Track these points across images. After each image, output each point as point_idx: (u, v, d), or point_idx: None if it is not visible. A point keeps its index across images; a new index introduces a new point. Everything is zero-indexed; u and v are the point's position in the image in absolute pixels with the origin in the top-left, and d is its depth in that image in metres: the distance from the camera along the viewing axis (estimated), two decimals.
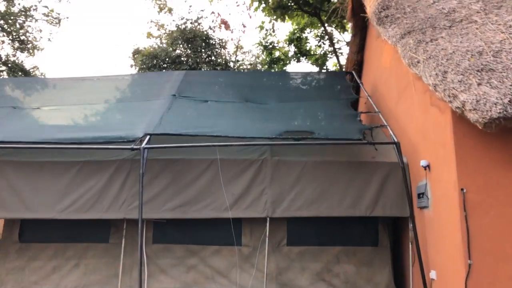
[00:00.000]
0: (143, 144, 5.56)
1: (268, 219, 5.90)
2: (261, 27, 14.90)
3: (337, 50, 15.44)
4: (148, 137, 5.76)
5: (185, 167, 6.08)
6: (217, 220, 6.01)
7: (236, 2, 21.06)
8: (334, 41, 15.29)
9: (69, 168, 6.02)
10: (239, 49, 19.09)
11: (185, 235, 6.17)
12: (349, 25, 13.18)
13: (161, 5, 17.51)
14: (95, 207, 5.87)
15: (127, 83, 8.17)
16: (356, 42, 9.58)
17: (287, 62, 17.44)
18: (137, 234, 5.64)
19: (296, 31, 15.77)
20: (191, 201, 5.95)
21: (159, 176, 6.05)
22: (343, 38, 17.22)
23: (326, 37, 15.76)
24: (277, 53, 17.66)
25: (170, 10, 17.63)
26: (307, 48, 16.93)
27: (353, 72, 8.95)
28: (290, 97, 7.38)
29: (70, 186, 5.92)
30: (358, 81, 8.09)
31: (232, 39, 20.98)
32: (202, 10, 19.27)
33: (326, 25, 14.31)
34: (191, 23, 16.63)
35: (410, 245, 5.67)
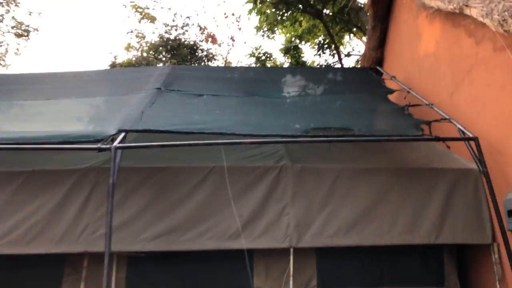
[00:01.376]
0: (116, 143, 3.85)
1: (291, 250, 4.15)
2: (259, 28, 13.32)
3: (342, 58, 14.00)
4: (122, 134, 4.06)
5: (174, 179, 4.36)
6: (218, 254, 4.24)
7: (225, 14, 19.39)
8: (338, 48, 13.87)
9: (9, 180, 4.23)
10: (227, 65, 17.60)
11: (172, 277, 4.34)
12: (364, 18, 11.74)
13: (143, 12, 15.89)
14: (43, 236, 4.07)
15: (98, 77, 6.47)
16: (375, 36, 8.13)
17: None
18: (102, 275, 3.84)
19: (293, 39, 14.26)
20: (181, 226, 4.20)
21: (136, 191, 4.30)
22: (343, 50, 15.87)
23: (326, 46, 14.37)
24: (269, 65, 16.19)
25: (153, 19, 16.09)
26: (304, 59, 15.51)
27: (377, 67, 7.46)
28: (310, 91, 5.76)
29: (6, 206, 4.12)
30: (389, 75, 6.53)
31: (221, 54, 19.47)
32: (188, 17, 17.76)
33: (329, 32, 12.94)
34: (175, 29, 15.07)
35: (498, 286, 3.96)
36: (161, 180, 4.36)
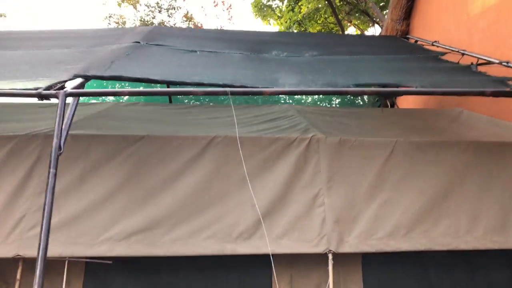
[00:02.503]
0: (68, 88, 2.49)
1: (330, 257, 2.80)
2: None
3: None
4: (79, 80, 2.70)
5: (157, 153, 3.01)
6: (221, 261, 2.88)
7: (214, 2, 17.66)
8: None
9: None
10: None
11: None
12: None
13: None
14: None
15: (61, 35, 5.05)
16: (400, 5, 6.90)
17: None
18: None
19: (292, 25, 12.76)
20: (166, 220, 2.85)
21: (101, 170, 2.93)
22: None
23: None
24: None
25: (135, 2, 14.48)
26: None
27: (408, 36, 6.22)
28: (341, 51, 4.43)
29: None
30: (428, 41, 5.25)
31: None
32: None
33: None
34: (159, 11, 13.55)
35: None
36: (137, 154, 2.99)
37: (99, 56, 3.54)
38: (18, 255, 2.66)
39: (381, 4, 11.04)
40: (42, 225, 2.10)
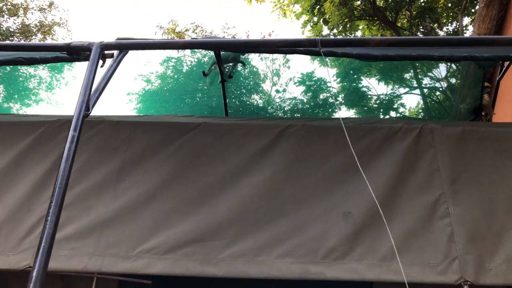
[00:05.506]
0: (104, 40, 1.90)
1: None
2: (306, 23, 10.26)
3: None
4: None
5: (214, 145, 2.31)
6: (298, 286, 2.05)
7: (261, 34, 16.88)
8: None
9: None
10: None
11: None
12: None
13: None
14: None
15: None
16: (489, 16, 6.02)
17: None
18: None
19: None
20: (225, 229, 2.07)
21: (141, 163, 2.27)
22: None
23: None
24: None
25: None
26: None
27: None
28: None
29: None
30: None
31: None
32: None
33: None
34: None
35: None
36: (190, 144, 2.31)
37: None
38: (29, 267, 1.99)
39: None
40: (47, 215, 1.41)
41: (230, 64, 3.25)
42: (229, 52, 3.02)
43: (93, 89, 1.71)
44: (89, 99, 1.65)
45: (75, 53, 1.84)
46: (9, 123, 2.51)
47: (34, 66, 4.16)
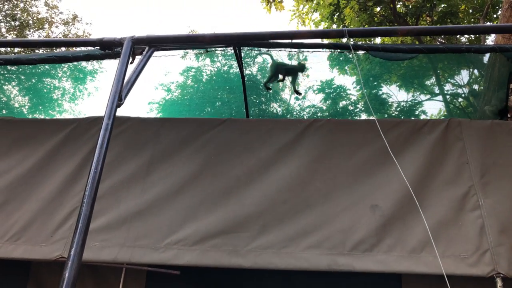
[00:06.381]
0: (136, 35, 1.96)
1: (499, 282, 1.81)
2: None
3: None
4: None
5: (241, 139, 2.35)
6: (326, 279, 2.03)
7: None
8: None
9: None
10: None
11: None
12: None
13: None
14: None
15: None
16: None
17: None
18: None
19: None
20: (253, 221, 2.09)
21: (170, 157, 2.31)
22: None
23: None
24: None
25: None
26: None
27: None
28: None
29: None
30: None
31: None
32: None
33: None
34: None
35: None
36: (218, 139, 2.35)
37: None
38: (62, 257, 2.03)
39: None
40: (81, 207, 1.45)
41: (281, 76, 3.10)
42: (288, 64, 3.00)
43: (125, 81, 1.76)
44: (121, 89, 1.70)
45: (107, 47, 1.91)
46: (42, 121, 2.60)
47: (58, 78, 4.28)
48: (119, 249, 2.04)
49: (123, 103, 1.69)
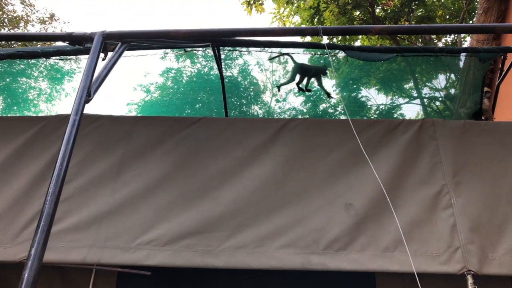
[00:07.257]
0: (106, 30, 1.91)
1: (469, 279, 1.83)
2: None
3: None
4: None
5: (215, 138, 2.31)
6: (300, 278, 2.01)
7: None
8: None
9: None
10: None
11: None
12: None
13: None
14: None
15: None
16: (488, 22, 6.09)
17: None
18: None
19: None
20: (226, 221, 2.05)
21: (143, 155, 2.26)
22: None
23: None
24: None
25: None
26: None
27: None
28: None
29: None
30: None
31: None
32: None
33: None
34: None
35: None
36: (192, 137, 2.31)
37: None
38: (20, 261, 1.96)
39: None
40: (44, 204, 1.40)
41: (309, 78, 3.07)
42: (311, 65, 2.96)
43: (94, 77, 1.71)
44: (90, 85, 1.65)
45: (77, 42, 1.85)
46: (9, 119, 2.52)
47: (34, 78, 4.17)
48: (88, 250, 1.98)
49: (91, 99, 1.64)
